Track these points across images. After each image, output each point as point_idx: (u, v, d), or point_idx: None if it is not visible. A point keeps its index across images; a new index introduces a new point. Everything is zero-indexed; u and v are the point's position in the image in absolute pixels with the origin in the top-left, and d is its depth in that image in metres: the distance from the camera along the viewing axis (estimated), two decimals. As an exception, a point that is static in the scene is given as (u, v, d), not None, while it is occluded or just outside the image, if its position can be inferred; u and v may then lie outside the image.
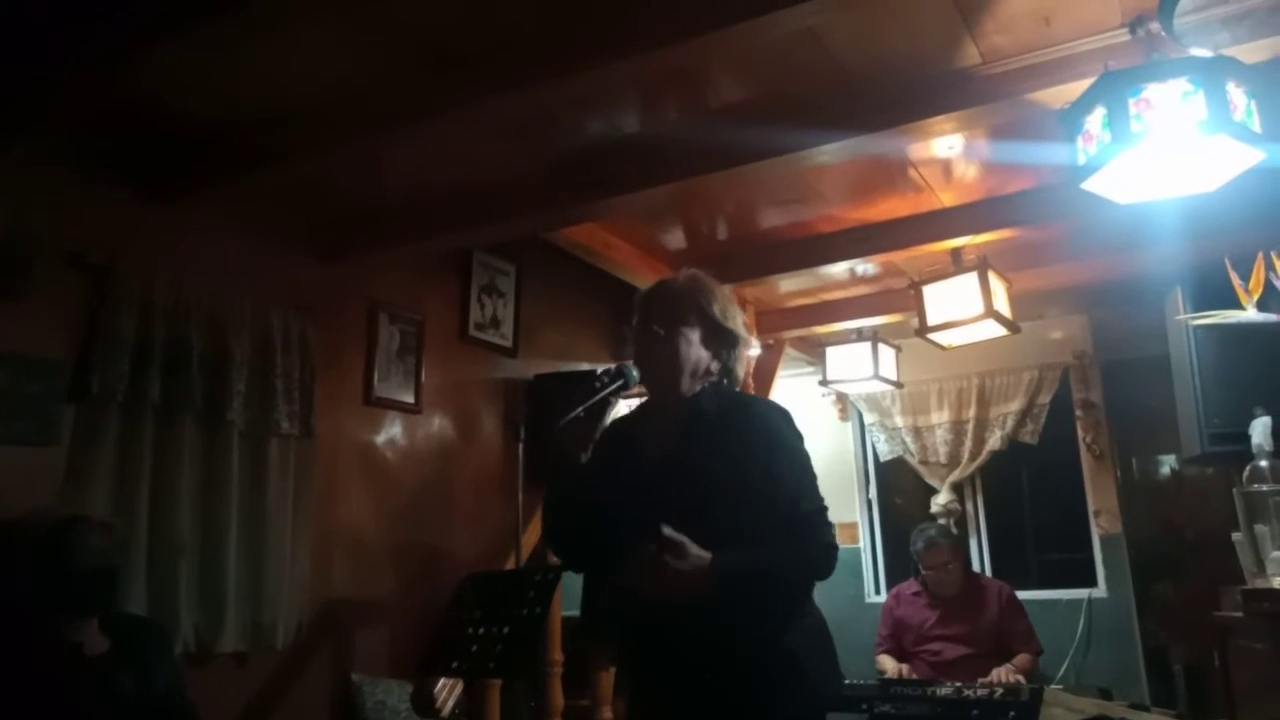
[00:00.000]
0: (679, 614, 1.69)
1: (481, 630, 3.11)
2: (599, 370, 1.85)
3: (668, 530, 1.62)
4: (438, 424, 4.05)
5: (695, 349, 1.89)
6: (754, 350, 4.80)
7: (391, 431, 3.83)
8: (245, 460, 3.15)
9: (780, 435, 1.85)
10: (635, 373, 1.87)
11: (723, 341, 1.92)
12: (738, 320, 1.96)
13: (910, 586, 4.25)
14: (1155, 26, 2.30)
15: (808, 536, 1.79)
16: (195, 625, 2.93)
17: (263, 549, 3.14)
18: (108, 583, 2.35)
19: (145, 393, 2.84)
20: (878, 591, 5.55)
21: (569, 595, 3.96)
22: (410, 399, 3.89)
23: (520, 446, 4.10)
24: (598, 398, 1.83)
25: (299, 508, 3.30)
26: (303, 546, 3.30)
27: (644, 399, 2.05)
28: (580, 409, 1.81)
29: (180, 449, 2.94)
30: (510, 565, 3.96)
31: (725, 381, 1.94)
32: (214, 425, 3.06)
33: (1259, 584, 2.85)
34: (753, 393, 4.26)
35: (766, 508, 1.76)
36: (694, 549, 1.63)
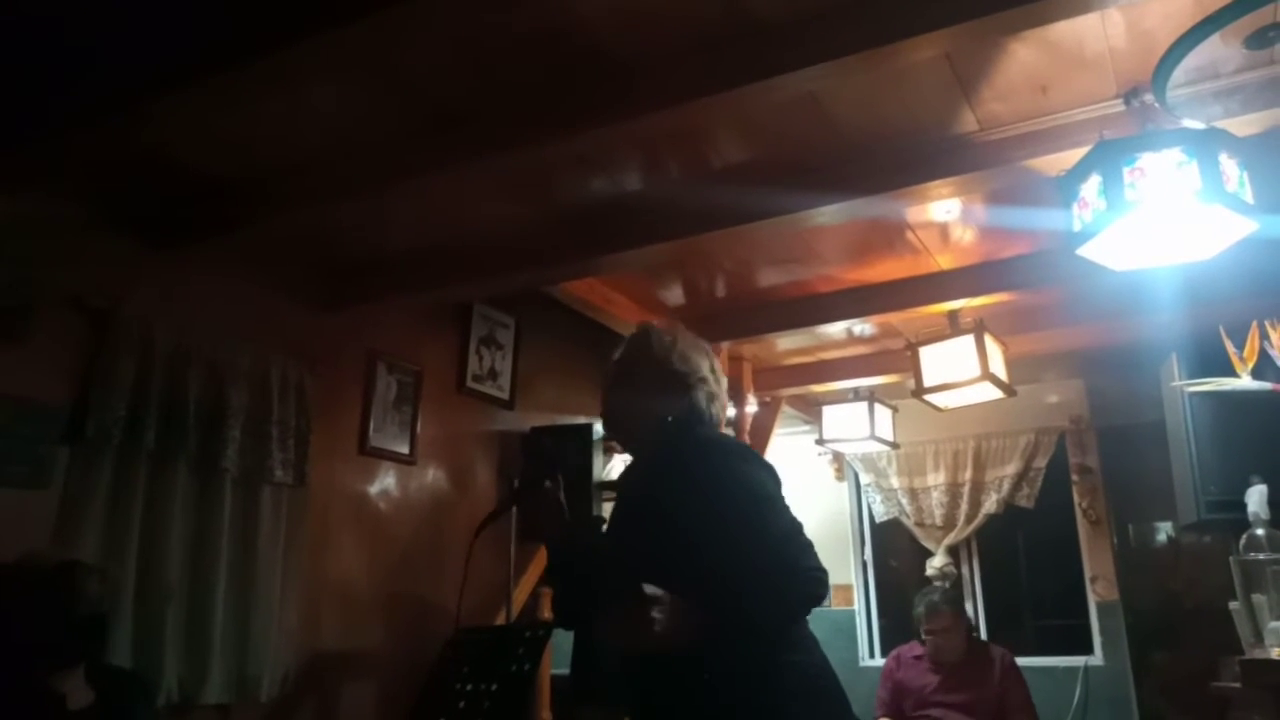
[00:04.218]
0: (666, 669, 1.69)
1: (470, 687, 3.06)
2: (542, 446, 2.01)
3: (649, 587, 1.61)
4: (432, 475, 4.03)
5: (638, 403, 1.95)
6: (750, 407, 4.80)
7: (385, 482, 3.81)
8: (237, 507, 3.12)
9: (724, 471, 1.80)
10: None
11: (673, 384, 1.94)
12: (690, 361, 1.97)
13: (911, 649, 4.20)
14: (1149, 98, 2.34)
15: (779, 568, 1.70)
16: (179, 675, 2.87)
17: (251, 598, 3.10)
18: (98, 631, 2.31)
19: (140, 438, 2.83)
20: (872, 655, 5.48)
21: (559, 653, 3.92)
22: (405, 449, 3.87)
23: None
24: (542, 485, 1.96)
25: (289, 557, 3.26)
26: (291, 596, 3.26)
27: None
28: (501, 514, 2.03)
29: (172, 495, 2.92)
30: (501, 621, 3.92)
31: (695, 423, 1.94)
32: (207, 471, 3.05)
33: (1257, 655, 2.82)
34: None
35: (729, 547, 1.70)
36: (671, 602, 1.61)
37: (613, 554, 1.87)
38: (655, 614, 1.60)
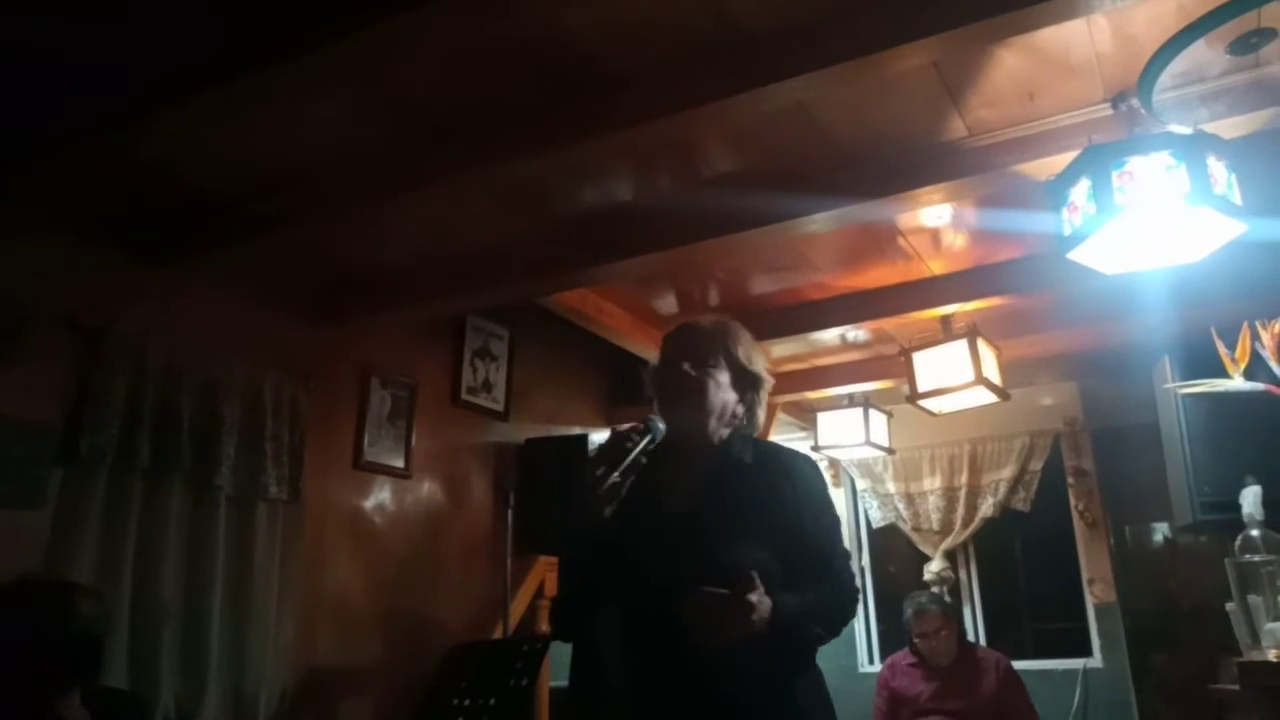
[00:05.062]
0: (703, 668, 1.67)
1: (468, 702, 3.07)
2: (626, 428, 1.77)
3: (755, 576, 1.61)
4: (427, 489, 4.02)
5: (723, 391, 1.88)
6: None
7: (380, 496, 3.80)
8: (232, 525, 3.11)
9: (810, 484, 1.86)
10: (661, 425, 1.81)
11: (748, 384, 1.93)
12: (761, 364, 1.96)
13: (905, 657, 4.18)
14: (1137, 102, 2.35)
15: (840, 584, 1.82)
16: (176, 694, 2.86)
17: (247, 616, 3.09)
18: (93, 652, 2.29)
19: (134, 456, 2.82)
20: (871, 661, 5.48)
21: (557, 666, 3.91)
22: (400, 463, 3.87)
23: (510, 513, 4.08)
24: (631, 459, 1.75)
25: (285, 573, 3.25)
26: (288, 613, 3.24)
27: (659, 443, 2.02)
28: (617, 474, 1.73)
29: (167, 513, 2.91)
30: (498, 634, 3.91)
31: (746, 425, 1.94)
32: (201, 489, 3.04)
33: (1255, 656, 2.82)
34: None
35: (798, 555, 1.76)
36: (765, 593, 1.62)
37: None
38: (754, 599, 1.59)
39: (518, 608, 4.07)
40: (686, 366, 1.87)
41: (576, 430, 4.67)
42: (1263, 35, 2.15)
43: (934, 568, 5.28)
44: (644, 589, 1.74)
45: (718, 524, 1.77)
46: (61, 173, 2.57)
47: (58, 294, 2.78)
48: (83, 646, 2.25)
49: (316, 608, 3.43)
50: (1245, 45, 2.18)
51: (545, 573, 4.18)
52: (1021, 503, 5.20)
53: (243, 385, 3.21)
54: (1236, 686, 2.83)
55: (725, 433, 1.89)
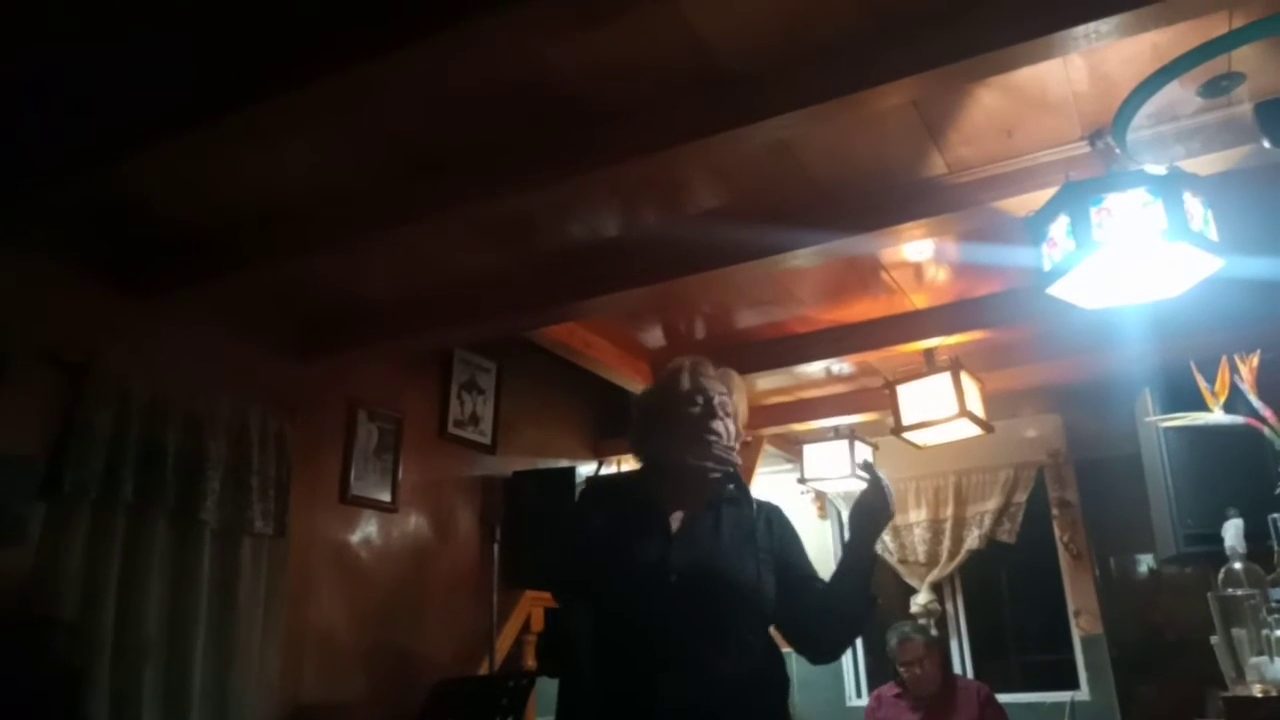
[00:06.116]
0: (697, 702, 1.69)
1: (453, 738, 3.04)
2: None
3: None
4: (413, 523, 4.00)
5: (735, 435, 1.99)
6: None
7: (366, 530, 3.78)
8: (216, 560, 3.09)
9: (790, 524, 2.00)
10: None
11: (735, 436, 2.01)
12: (743, 423, 2.05)
13: (890, 689, 4.18)
14: (1113, 140, 2.39)
15: None
16: (157, 733, 2.83)
17: (231, 651, 3.06)
18: (73, 689, 2.28)
19: (118, 491, 2.81)
20: (858, 695, 5.44)
21: (544, 701, 3.88)
22: (387, 497, 3.85)
23: (496, 547, 4.06)
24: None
25: (270, 609, 3.23)
26: (272, 649, 3.21)
27: (643, 467, 2.04)
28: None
29: (151, 548, 2.89)
30: (484, 670, 3.88)
31: None
32: (186, 524, 3.02)
33: (1239, 691, 2.81)
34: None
35: (803, 581, 1.89)
36: None
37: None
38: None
39: (504, 643, 4.04)
40: (722, 400, 1.95)
41: (564, 463, 4.67)
42: (1233, 79, 2.20)
43: (921, 600, 5.27)
44: (653, 613, 1.75)
45: (727, 547, 1.85)
46: (45, 207, 2.58)
47: (41, 328, 2.77)
48: (64, 682, 2.23)
49: (301, 643, 3.39)
50: (1216, 88, 2.23)
51: (531, 608, 4.16)
52: (1007, 534, 5.20)
53: (228, 419, 3.20)
54: (1222, 721, 2.82)
55: (730, 478, 1.95)
